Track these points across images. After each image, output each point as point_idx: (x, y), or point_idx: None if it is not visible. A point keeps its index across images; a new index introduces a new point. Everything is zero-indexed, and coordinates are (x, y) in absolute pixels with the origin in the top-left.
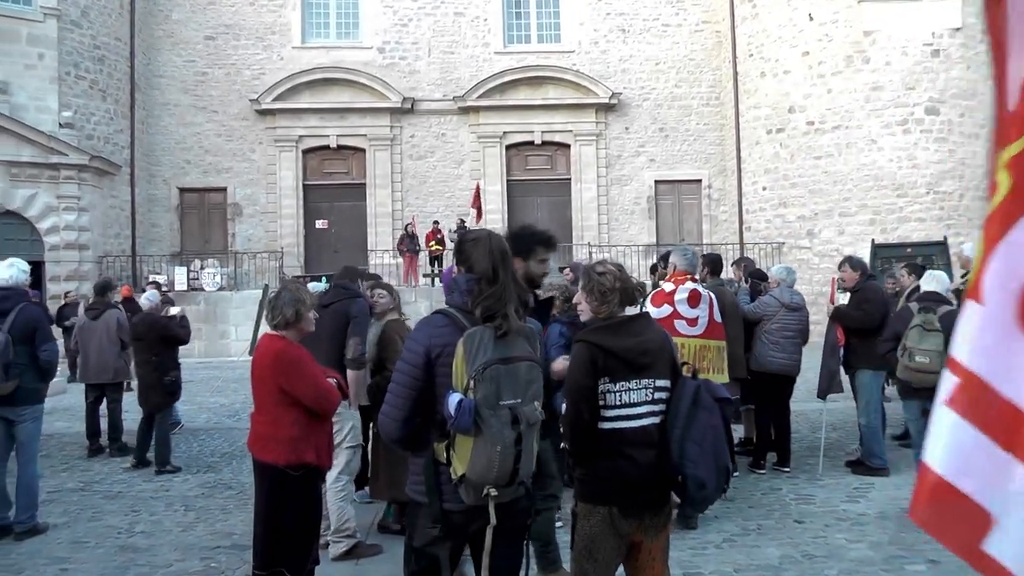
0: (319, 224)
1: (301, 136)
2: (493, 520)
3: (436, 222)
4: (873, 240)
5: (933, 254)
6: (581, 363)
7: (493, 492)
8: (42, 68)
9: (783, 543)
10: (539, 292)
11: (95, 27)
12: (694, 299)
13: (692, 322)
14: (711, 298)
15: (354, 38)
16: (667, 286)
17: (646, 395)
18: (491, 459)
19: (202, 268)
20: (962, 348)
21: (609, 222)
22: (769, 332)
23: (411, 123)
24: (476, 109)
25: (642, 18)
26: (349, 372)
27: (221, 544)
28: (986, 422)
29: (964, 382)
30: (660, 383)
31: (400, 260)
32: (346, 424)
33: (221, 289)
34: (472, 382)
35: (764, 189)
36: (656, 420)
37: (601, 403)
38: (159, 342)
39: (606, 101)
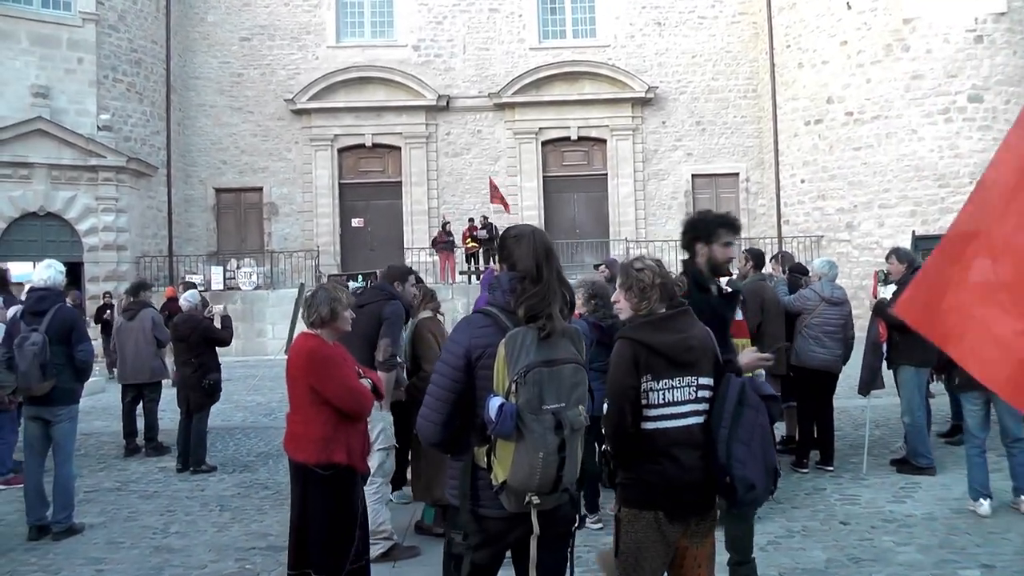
0: (355, 223)
1: (337, 135)
2: (536, 529)
3: (471, 219)
4: (914, 232)
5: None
6: (623, 361)
7: (535, 500)
8: (81, 72)
9: (828, 546)
10: (722, 283)
11: (132, 31)
12: None
13: None
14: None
15: (389, 36)
16: None
17: (689, 393)
18: (533, 465)
19: (238, 267)
20: None
21: (646, 217)
22: (810, 327)
23: (447, 120)
24: (512, 105)
25: (678, 11)
26: (380, 373)
27: (256, 545)
28: None
29: None
30: (703, 381)
31: (436, 257)
32: (377, 425)
33: (257, 288)
34: (514, 385)
35: (802, 182)
36: (700, 420)
37: (644, 402)
38: (201, 343)
39: (642, 95)
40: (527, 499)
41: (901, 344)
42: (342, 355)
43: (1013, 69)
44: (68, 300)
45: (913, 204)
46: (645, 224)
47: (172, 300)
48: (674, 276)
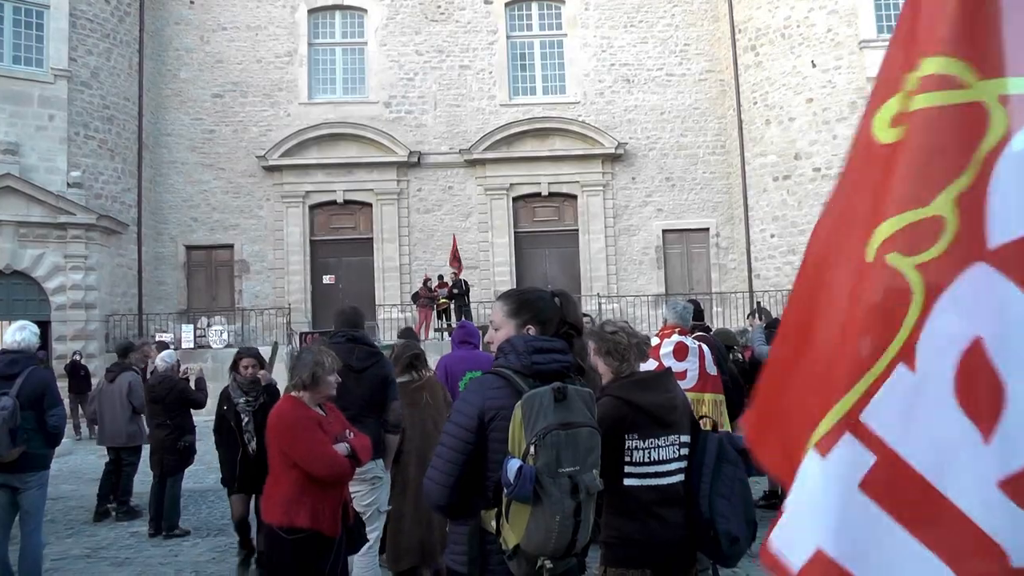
0: (326, 279)
1: (308, 192)
2: None
3: (440, 276)
4: None
5: None
6: (609, 418)
7: (548, 564)
8: (52, 129)
9: None
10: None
11: (104, 87)
12: (680, 352)
13: (680, 375)
14: (701, 350)
15: (360, 93)
16: (654, 340)
17: (674, 452)
18: (550, 529)
19: (209, 325)
20: (886, 423)
21: (618, 272)
22: None
23: (418, 177)
24: (483, 162)
25: (646, 68)
26: (388, 436)
27: None
28: (899, 508)
29: (882, 461)
30: (684, 439)
31: (408, 314)
32: (367, 497)
33: (228, 346)
34: (532, 448)
35: (773, 236)
36: (682, 477)
37: (627, 460)
38: (176, 405)
39: (612, 151)
40: (539, 563)
41: None
42: (315, 419)
43: None
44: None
45: None
46: (617, 279)
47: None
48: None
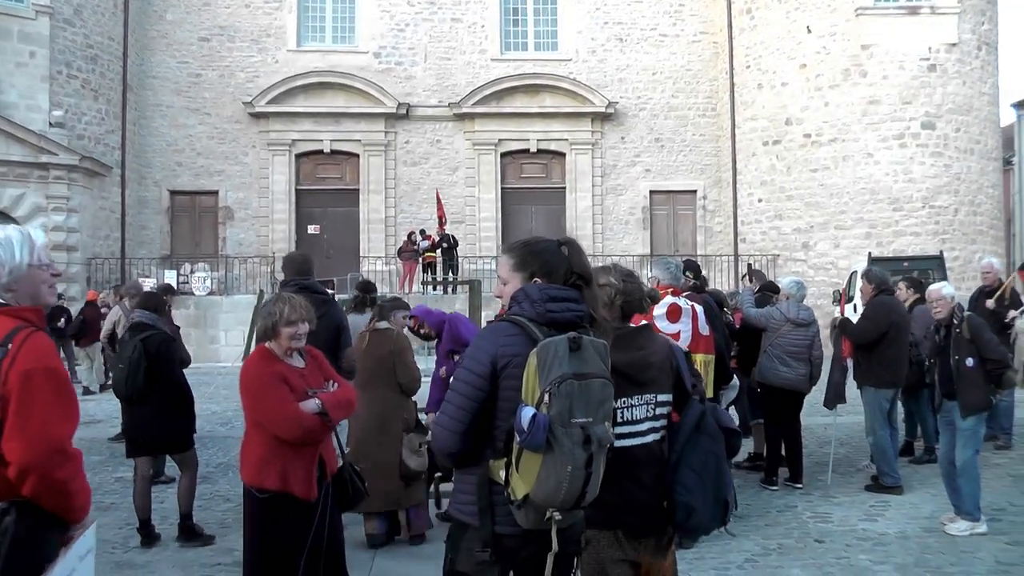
0: (311, 229)
1: (295, 140)
2: (556, 547)
3: (423, 230)
4: (870, 254)
5: (930, 268)
6: None
7: (557, 516)
8: (33, 66)
9: (807, 564)
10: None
11: (88, 26)
12: (673, 313)
13: (674, 337)
14: (694, 310)
15: (350, 42)
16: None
17: (647, 411)
18: (560, 480)
19: (192, 272)
20: None
21: (603, 232)
22: (774, 346)
23: (406, 129)
24: (472, 116)
25: (639, 28)
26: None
27: (221, 561)
28: None
29: None
30: (662, 398)
31: (398, 266)
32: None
33: (211, 294)
34: (546, 396)
35: (760, 201)
36: (658, 436)
37: None
38: None
39: (602, 110)
40: (548, 515)
41: (863, 364)
42: (279, 374)
43: (963, 98)
44: None
45: (868, 226)
46: (603, 239)
47: (91, 304)
48: (646, 288)
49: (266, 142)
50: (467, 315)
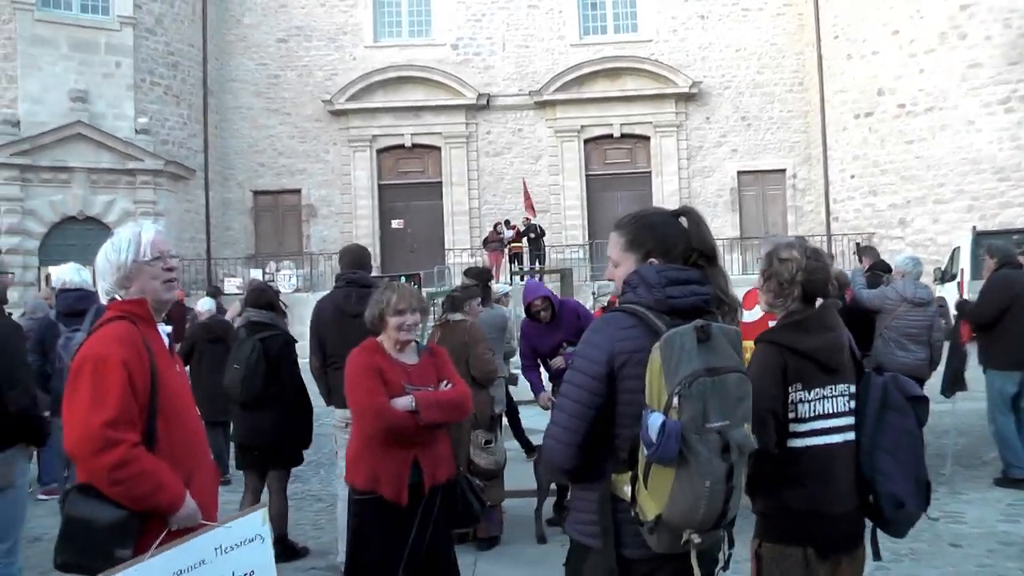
0: (395, 224)
1: (375, 136)
2: (697, 573)
3: (507, 221)
4: (975, 228)
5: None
6: (768, 368)
7: (696, 539)
8: (119, 76)
9: (945, 572)
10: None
11: (169, 34)
12: (750, 300)
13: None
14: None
15: (427, 35)
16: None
17: (844, 404)
18: (698, 496)
19: (277, 270)
20: None
21: None
22: (890, 328)
23: (487, 119)
24: (553, 103)
25: (721, 3)
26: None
27: (315, 565)
28: None
29: None
30: (852, 388)
31: (484, 257)
32: None
33: (297, 291)
34: (676, 399)
35: (852, 177)
36: (852, 435)
37: (792, 416)
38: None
39: (686, 91)
40: (685, 537)
41: (981, 346)
42: (374, 367)
43: None
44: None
45: (970, 199)
46: None
47: (178, 304)
48: (835, 270)
49: (346, 139)
50: None
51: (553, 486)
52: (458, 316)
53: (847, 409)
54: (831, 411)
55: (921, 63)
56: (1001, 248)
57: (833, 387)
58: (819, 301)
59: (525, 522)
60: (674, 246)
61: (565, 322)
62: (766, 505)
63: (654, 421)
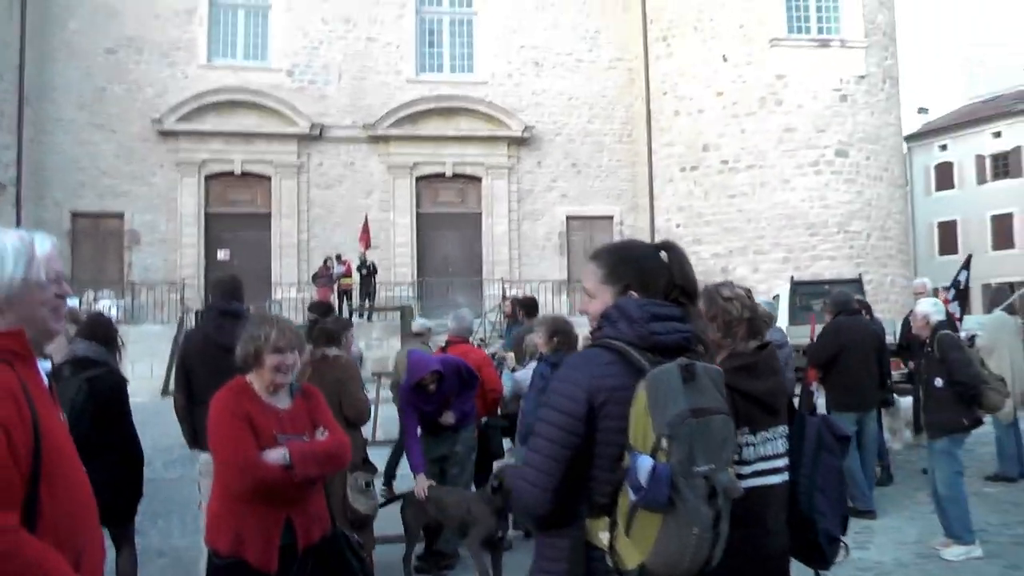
0: (221, 255)
1: (205, 160)
2: None
3: (339, 256)
4: (792, 277)
5: (850, 291)
6: None
7: None
8: None
9: None
10: None
11: None
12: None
13: None
14: None
15: (263, 59)
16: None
17: (782, 445)
18: (685, 544)
19: (95, 299)
20: None
21: (520, 257)
22: None
23: (319, 150)
24: (387, 138)
25: (555, 52)
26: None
27: None
28: None
29: None
30: (786, 429)
31: (312, 294)
32: None
33: (117, 322)
34: (664, 441)
35: (678, 226)
36: (787, 476)
37: (736, 458)
38: None
39: (519, 134)
40: None
41: (826, 387)
42: (243, 414)
43: (871, 128)
44: None
45: (786, 251)
46: (519, 264)
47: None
48: (760, 309)
49: (175, 162)
50: (399, 343)
51: (421, 532)
52: (334, 351)
53: (784, 451)
54: (771, 453)
55: (743, 124)
56: (837, 298)
57: (774, 429)
58: (756, 340)
59: (392, 571)
60: (654, 281)
61: (448, 384)
62: None
63: (643, 464)
